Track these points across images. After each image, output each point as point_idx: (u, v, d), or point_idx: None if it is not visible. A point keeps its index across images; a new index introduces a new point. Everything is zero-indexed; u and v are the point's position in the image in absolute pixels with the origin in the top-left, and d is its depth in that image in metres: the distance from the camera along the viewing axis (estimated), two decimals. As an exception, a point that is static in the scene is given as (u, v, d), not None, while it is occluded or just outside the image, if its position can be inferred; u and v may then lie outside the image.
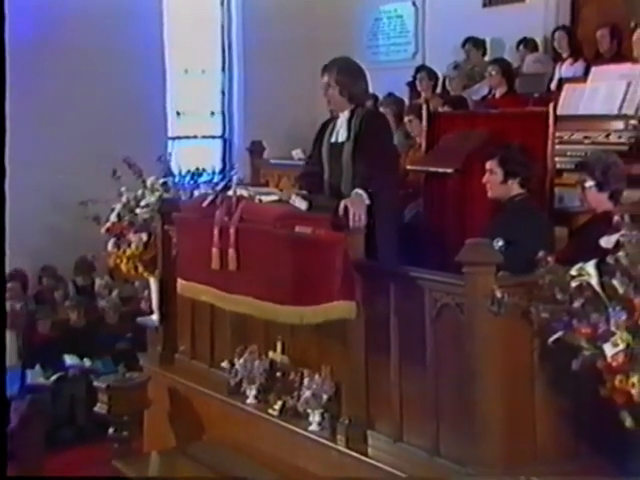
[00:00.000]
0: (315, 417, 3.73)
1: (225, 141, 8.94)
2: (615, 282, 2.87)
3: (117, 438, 4.52)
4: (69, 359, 6.74)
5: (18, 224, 7.13)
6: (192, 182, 5.90)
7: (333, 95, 4.04)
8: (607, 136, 4.79)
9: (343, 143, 4.03)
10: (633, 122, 4.75)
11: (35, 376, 6.62)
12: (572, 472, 3.14)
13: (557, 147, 4.32)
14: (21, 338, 6.81)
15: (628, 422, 2.82)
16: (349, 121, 4.03)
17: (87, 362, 6.75)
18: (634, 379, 2.77)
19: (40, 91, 7.37)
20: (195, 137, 8.80)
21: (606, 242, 2.97)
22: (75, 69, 7.50)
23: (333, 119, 4.14)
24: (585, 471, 3.14)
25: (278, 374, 4.03)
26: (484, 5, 7.69)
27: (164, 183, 5.32)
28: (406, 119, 5.67)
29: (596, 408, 2.97)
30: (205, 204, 3.99)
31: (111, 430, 4.54)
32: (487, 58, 7.23)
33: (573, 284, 2.92)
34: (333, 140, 4.10)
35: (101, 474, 4.59)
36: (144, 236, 5.04)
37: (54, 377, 6.63)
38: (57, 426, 6.07)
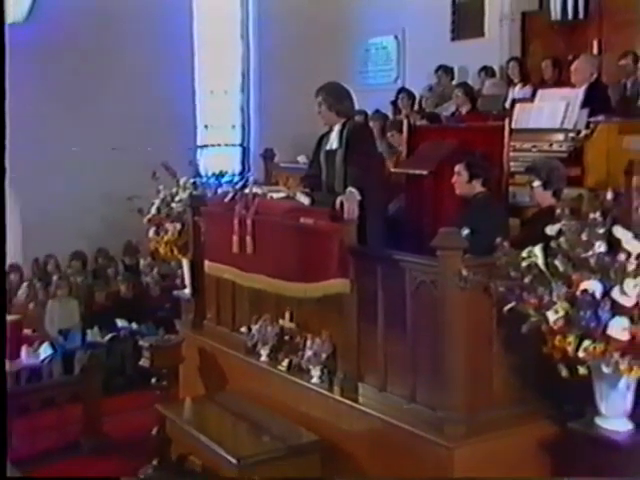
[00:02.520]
0: (316, 372, 3.72)
1: (243, 149, 8.90)
2: (557, 262, 2.87)
3: (158, 387, 4.51)
4: (120, 323, 6.74)
5: (78, 215, 7.18)
6: (216, 182, 5.86)
7: (324, 111, 4.03)
8: (550, 145, 4.75)
9: (336, 150, 4.01)
10: (571, 134, 4.72)
11: (94, 335, 6.63)
12: (520, 414, 3.14)
13: (511, 154, 4.29)
14: (83, 305, 6.79)
15: (564, 373, 2.84)
16: (340, 132, 4.00)
17: (134, 325, 6.75)
18: (570, 339, 2.78)
19: (97, 108, 7.34)
20: (219, 145, 8.76)
21: (550, 230, 2.96)
22: (125, 93, 7.46)
23: (329, 131, 4.12)
24: (531, 413, 3.14)
25: (286, 337, 4.01)
26: (452, 39, 7.66)
27: (194, 183, 5.29)
28: (389, 134, 5.59)
29: (540, 362, 2.97)
30: (227, 200, 3.98)
31: (153, 380, 4.53)
32: (455, 82, 7.18)
33: (524, 264, 2.92)
34: (328, 148, 4.07)
35: (146, 415, 4.54)
36: (178, 225, 5.02)
37: (108, 337, 6.62)
38: (111, 375, 6.06)
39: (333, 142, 4.04)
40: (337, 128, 4.03)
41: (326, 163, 4.07)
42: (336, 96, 4.04)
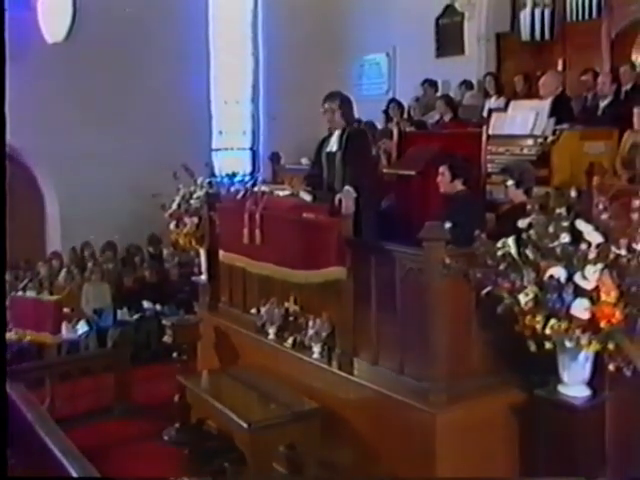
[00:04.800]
0: (317, 348, 3.70)
1: (253, 152, 8.85)
2: (527, 251, 2.87)
3: (179, 360, 4.49)
4: (146, 304, 6.71)
5: (110, 210, 7.16)
6: (229, 181, 5.84)
7: (335, 117, 3.92)
8: (522, 150, 4.74)
9: (336, 152, 3.94)
10: (540, 140, 4.70)
11: (123, 315, 6.60)
12: (494, 383, 3.13)
13: (488, 157, 4.27)
14: (113, 288, 6.77)
15: (532, 348, 2.83)
16: (340, 136, 3.94)
17: (158, 307, 6.72)
18: (538, 318, 2.78)
19: (127, 117, 7.31)
20: (232, 149, 8.71)
21: (522, 223, 2.95)
22: (150, 104, 7.41)
23: (329, 135, 4.05)
24: (504, 382, 3.14)
25: (291, 318, 3.98)
26: (437, 56, 7.59)
27: (209, 182, 5.27)
28: (380, 143, 5.51)
29: (512, 339, 2.94)
30: (239, 197, 3.94)
31: (175, 354, 4.51)
32: (438, 94, 7.14)
33: (499, 253, 2.91)
34: (328, 150, 4.00)
35: (169, 384, 4.52)
36: (196, 220, 5.00)
37: (136, 316, 6.60)
38: (138, 349, 6.03)
39: (333, 145, 3.97)
40: (337, 133, 3.96)
41: (327, 164, 4.01)
42: (349, 105, 3.97)
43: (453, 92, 7.07)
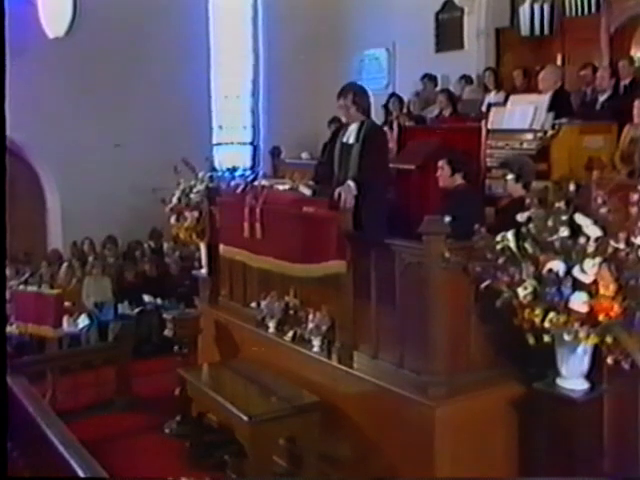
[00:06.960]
0: (317, 342, 3.70)
1: (253, 146, 8.83)
2: (527, 245, 2.86)
3: (180, 353, 4.49)
4: (147, 298, 6.70)
5: (111, 204, 7.15)
6: (230, 176, 5.82)
7: (350, 113, 3.79)
8: (521, 144, 4.72)
9: (352, 145, 3.80)
10: (539, 134, 4.69)
11: (124, 308, 6.59)
12: (493, 376, 3.12)
13: (487, 151, 4.26)
14: (114, 282, 6.76)
15: (531, 341, 2.82)
16: (358, 129, 3.79)
17: (159, 300, 6.72)
18: (537, 312, 2.76)
19: (127, 113, 7.30)
20: (232, 143, 8.68)
21: (521, 217, 2.94)
22: (151, 100, 7.39)
23: (345, 125, 3.90)
24: (502, 376, 3.12)
25: (291, 312, 3.98)
26: (436, 51, 7.55)
27: (210, 176, 5.25)
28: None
29: (510, 332, 2.93)
30: (239, 191, 3.93)
31: (175, 348, 4.51)
32: (438, 88, 7.11)
33: (498, 247, 2.90)
34: (345, 140, 3.85)
35: (170, 378, 4.52)
36: (196, 214, 4.98)
37: (137, 310, 6.59)
38: (139, 343, 6.03)
39: (350, 136, 3.82)
40: (355, 125, 3.81)
41: (340, 154, 3.86)
42: (363, 97, 3.83)
43: (452, 87, 7.04)
